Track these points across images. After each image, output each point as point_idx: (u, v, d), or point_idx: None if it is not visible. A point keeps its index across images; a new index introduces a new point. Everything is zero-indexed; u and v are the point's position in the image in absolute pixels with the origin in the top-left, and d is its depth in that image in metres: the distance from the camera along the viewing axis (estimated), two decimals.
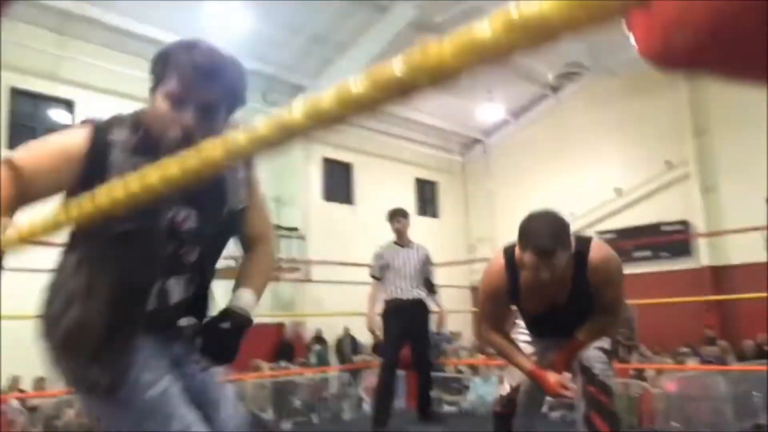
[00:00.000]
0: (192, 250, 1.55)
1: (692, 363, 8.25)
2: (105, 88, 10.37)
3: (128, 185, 1.01)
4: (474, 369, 7.99)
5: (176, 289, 1.56)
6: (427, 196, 16.46)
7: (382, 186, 14.62)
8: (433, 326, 5.19)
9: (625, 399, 6.43)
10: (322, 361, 10.90)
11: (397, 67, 0.57)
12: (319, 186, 13.63)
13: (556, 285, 2.28)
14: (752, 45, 0.39)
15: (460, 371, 8.76)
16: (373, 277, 5.10)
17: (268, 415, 7.09)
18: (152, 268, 1.48)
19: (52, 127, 10.33)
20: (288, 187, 12.76)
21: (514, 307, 2.57)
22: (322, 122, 0.72)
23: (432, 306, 5.12)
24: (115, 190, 1.03)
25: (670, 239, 13.06)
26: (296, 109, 0.74)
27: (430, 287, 5.11)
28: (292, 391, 7.36)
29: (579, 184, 14.63)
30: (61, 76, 10.01)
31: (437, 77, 0.53)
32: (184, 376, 1.55)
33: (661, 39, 0.44)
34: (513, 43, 0.49)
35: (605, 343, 2.58)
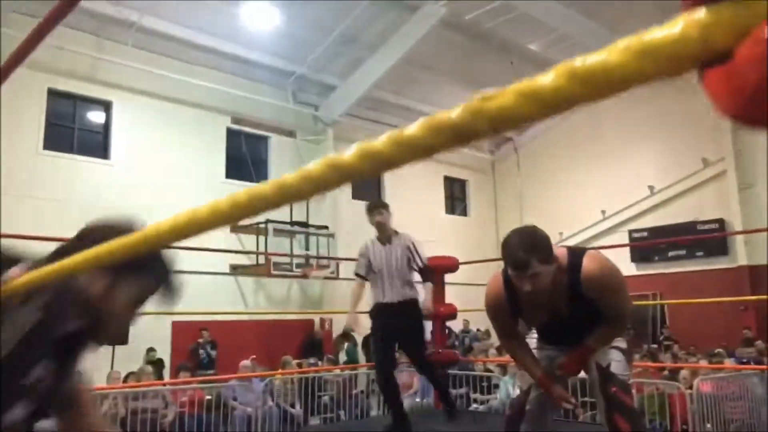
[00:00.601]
0: None
1: (728, 364, 8.08)
2: (142, 90, 10.61)
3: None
4: (503, 368, 7.95)
5: None
6: (456, 195, 16.42)
7: (412, 184, 14.63)
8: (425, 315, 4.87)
9: (656, 399, 6.34)
10: (352, 358, 10.97)
11: (455, 114, 0.57)
12: (348, 185, 13.69)
13: (551, 296, 2.36)
14: None
15: (489, 370, 8.74)
16: (357, 275, 4.76)
17: (297, 410, 7.18)
18: None
19: (90, 128, 10.61)
20: None
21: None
22: (375, 163, 0.73)
23: (421, 297, 4.74)
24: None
25: (705, 237, 12.78)
26: (350, 151, 0.75)
27: (424, 275, 4.76)
28: (321, 387, 7.44)
29: (611, 182, 14.42)
30: (99, 77, 10.26)
31: (497, 124, 0.53)
32: None
33: (744, 103, 0.42)
34: (576, 94, 0.49)
35: (621, 342, 2.61)
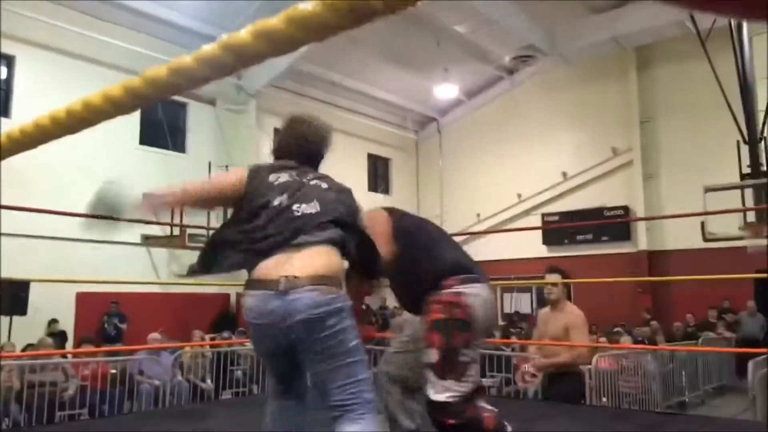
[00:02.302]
0: None
1: (625, 342, 8.59)
2: (49, 45, 9.91)
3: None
4: None
5: None
6: (379, 172, 16.47)
7: (335, 160, 14.43)
8: None
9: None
10: None
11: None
12: (271, 157, 13.42)
13: None
14: None
15: None
16: None
17: (207, 384, 7.05)
18: None
19: None
20: (238, 156, 12.53)
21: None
22: (270, 42, 0.76)
23: None
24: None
25: (610, 223, 13.46)
26: (245, 31, 0.77)
27: None
28: (233, 361, 7.33)
29: (528, 166, 14.90)
30: (1, 29, 9.50)
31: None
32: None
33: None
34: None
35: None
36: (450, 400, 2.28)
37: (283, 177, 2.18)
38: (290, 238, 2.02)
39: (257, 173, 2.21)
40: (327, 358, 1.94)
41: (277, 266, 1.99)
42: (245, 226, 2.09)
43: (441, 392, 2.28)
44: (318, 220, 2.07)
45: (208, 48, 0.92)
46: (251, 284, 2.04)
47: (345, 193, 2.28)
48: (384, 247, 2.40)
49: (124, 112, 1.07)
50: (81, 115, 1.09)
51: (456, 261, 2.52)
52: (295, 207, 2.09)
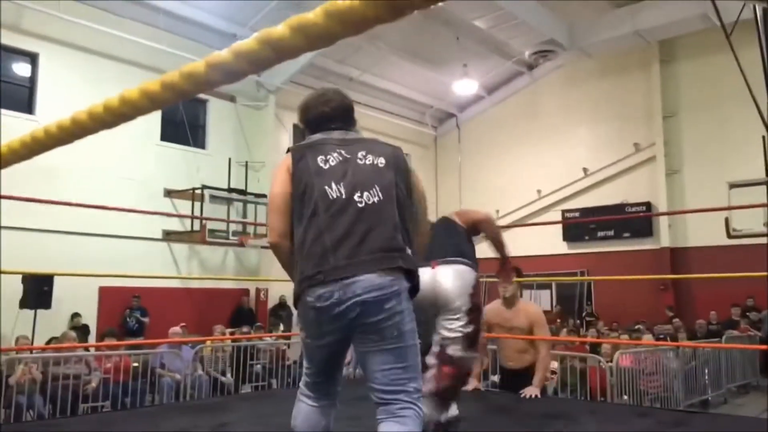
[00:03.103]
0: None
1: (646, 340, 8.49)
2: (71, 42, 10.04)
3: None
4: None
5: None
6: None
7: None
8: None
9: (578, 371, 6.59)
10: (287, 328, 10.93)
11: None
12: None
13: None
14: None
15: None
16: None
17: (227, 378, 7.11)
18: None
19: (14, 81, 9.98)
20: (257, 152, 12.61)
21: None
22: (307, 36, 0.76)
23: None
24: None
25: (631, 217, 13.30)
26: (283, 25, 0.77)
27: None
28: (253, 356, 7.38)
29: (547, 162, 14.77)
30: (24, 27, 9.63)
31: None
32: None
33: None
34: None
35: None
36: None
37: (332, 158, 2.12)
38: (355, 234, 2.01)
39: (301, 159, 2.16)
40: (379, 339, 1.94)
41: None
42: (307, 223, 2.04)
43: None
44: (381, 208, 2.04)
45: (244, 42, 0.92)
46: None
47: (398, 159, 2.20)
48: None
49: (160, 106, 1.08)
50: (119, 110, 1.11)
51: None
52: (356, 197, 2.04)
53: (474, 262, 2.89)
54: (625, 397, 6.57)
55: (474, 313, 2.78)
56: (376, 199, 2.04)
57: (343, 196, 2.03)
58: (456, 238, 2.97)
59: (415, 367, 1.99)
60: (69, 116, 1.26)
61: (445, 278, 2.77)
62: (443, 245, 2.86)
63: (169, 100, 1.08)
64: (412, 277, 2.04)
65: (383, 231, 2.00)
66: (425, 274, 2.52)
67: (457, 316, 2.75)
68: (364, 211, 2.02)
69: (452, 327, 2.75)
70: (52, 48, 9.97)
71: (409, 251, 2.04)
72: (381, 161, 2.13)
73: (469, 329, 2.75)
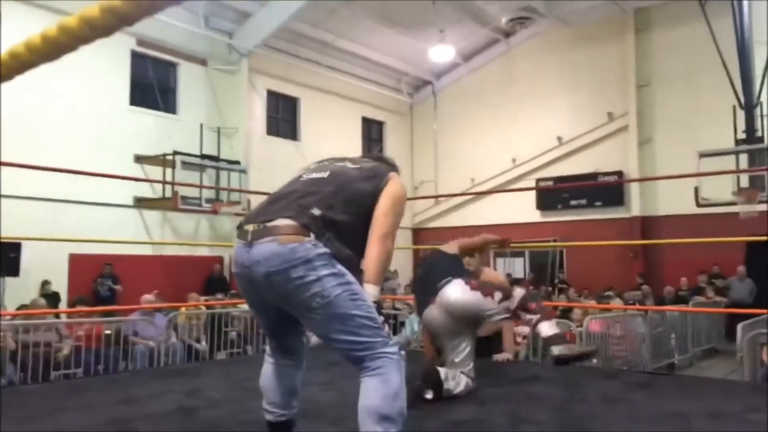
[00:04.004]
0: None
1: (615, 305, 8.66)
2: None
3: None
4: (411, 306, 8.17)
5: None
6: (373, 136, 16.35)
7: (329, 123, 14.39)
8: None
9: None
10: None
11: None
12: (263, 120, 13.30)
13: None
14: None
15: (397, 308, 8.97)
16: None
17: (202, 345, 7.09)
18: None
19: None
20: (230, 118, 12.39)
21: None
22: None
23: None
24: None
25: (602, 184, 13.46)
26: None
27: None
28: (228, 323, 7.37)
29: (523, 130, 14.81)
30: None
31: None
32: None
33: None
34: None
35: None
36: None
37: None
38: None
39: None
40: (306, 310, 1.84)
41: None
42: None
43: None
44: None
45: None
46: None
47: (375, 168, 2.18)
48: None
49: (103, 34, 1.01)
50: (58, 39, 1.03)
51: None
52: (305, 175, 2.10)
53: (458, 274, 3.24)
54: (594, 361, 6.73)
55: (504, 299, 3.12)
56: (320, 176, 2.07)
57: (300, 177, 2.12)
58: (440, 266, 3.36)
59: (362, 327, 1.83)
60: (6, 51, 1.18)
61: (447, 297, 3.10)
62: (433, 279, 3.23)
63: (112, 26, 1.01)
64: (328, 243, 1.87)
65: (307, 198, 1.95)
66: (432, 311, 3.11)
67: (496, 310, 3.10)
68: (300, 181, 2.08)
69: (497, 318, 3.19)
70: (8, 4, 9.59)
71: (328, 223, 1.90)
72: (356, 165, 2.15)
73: (508, 306, 3.11)
